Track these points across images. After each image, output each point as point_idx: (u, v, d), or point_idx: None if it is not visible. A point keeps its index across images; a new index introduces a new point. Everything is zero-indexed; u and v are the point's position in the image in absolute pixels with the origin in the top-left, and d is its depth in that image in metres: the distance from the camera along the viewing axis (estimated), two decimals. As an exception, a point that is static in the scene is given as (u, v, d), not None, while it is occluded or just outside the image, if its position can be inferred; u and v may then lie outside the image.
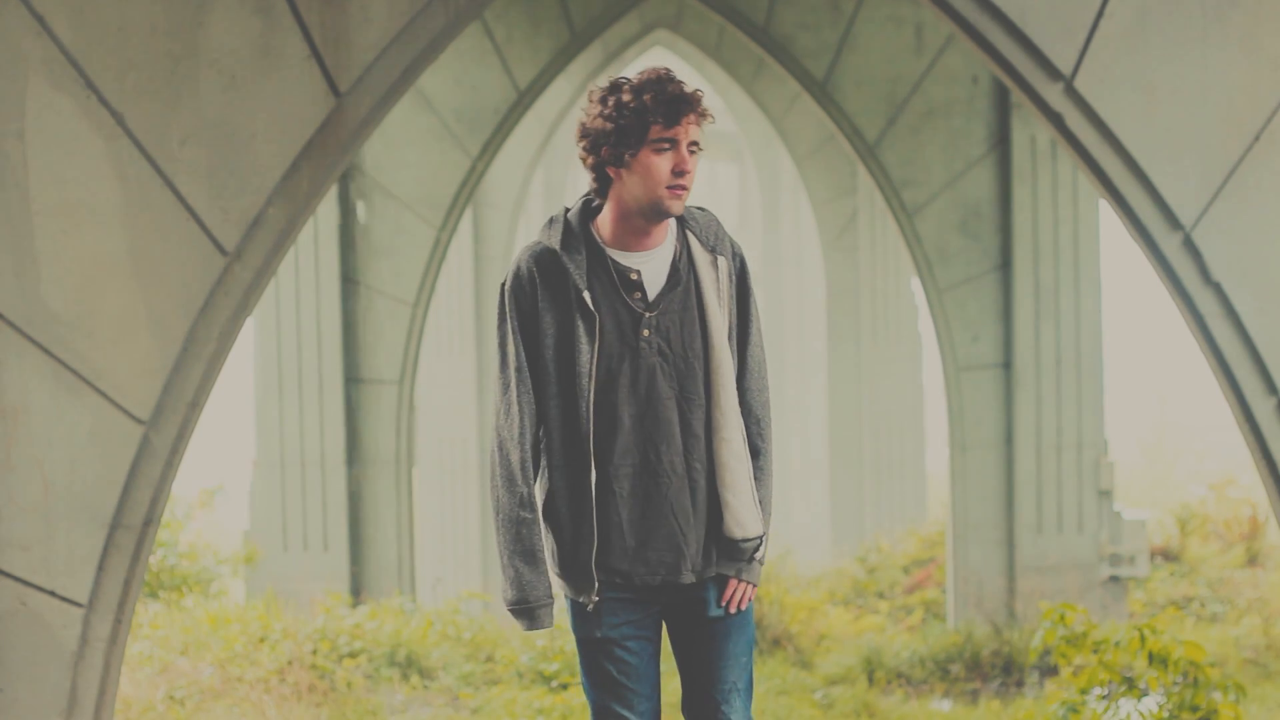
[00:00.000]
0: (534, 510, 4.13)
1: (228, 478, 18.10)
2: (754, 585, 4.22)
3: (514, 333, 4.12)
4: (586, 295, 4.08)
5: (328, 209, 13.57)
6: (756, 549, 4.18)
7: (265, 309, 13.66)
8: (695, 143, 4.08)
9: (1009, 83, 6.07)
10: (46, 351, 5.48)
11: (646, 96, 4.03)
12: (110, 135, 5.46)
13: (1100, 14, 5.84)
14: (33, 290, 5.47)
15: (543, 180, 24.81)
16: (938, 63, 13.61)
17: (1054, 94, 5.92)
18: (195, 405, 5.60)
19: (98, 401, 5.50)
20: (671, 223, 4.20)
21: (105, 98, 5.45)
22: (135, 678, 10.40)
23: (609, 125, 4.05)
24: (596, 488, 4.11)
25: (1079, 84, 5.88)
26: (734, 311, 4.21)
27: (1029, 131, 13.39)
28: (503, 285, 4.15)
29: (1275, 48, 5.87)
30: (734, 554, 4.18)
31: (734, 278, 4.22)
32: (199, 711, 10.08)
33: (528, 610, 4.15)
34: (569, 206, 4.23)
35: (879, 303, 20.67)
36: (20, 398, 5.48)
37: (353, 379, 13.83)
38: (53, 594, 5.52)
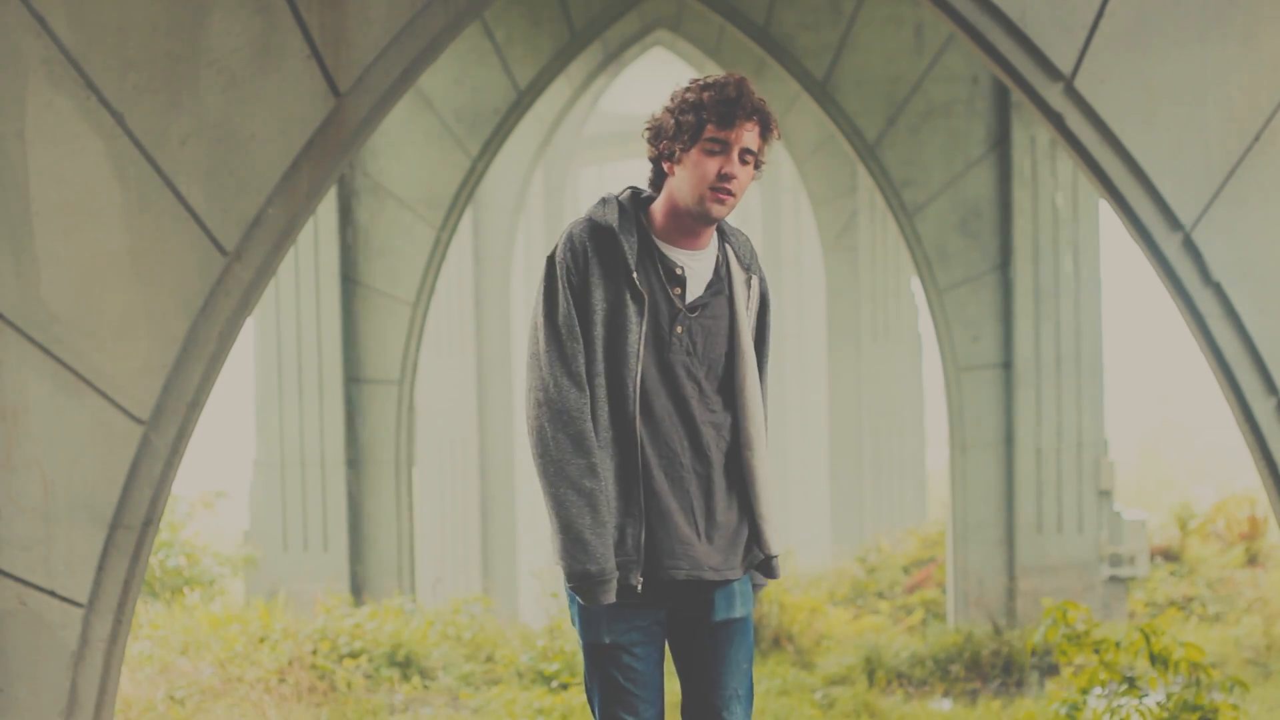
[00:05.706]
0: (599, 480, 4.03)
1: (229, 480, 18.09)
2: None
3: (566, 302, 4.06)
4: (636, 275, 4.07)
5: (328, 209, 13.57)
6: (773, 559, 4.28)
7: (265, 309, 13.66)
8: (751, 151, 4.07)
9: (1009, 83, 6.07)
10: (46, 351, 5.47)
11: (706, 95, 4.05)
12: (110, 135, 5.45)
13: (1100, 14, 5.83)
14: (33, 290, 5.46)
15: (543, 180, 24.79)
16: (938, 63, 13.61)
17: (1054, 94, 5.91)
18: (195, 405, 5.60)
19: (98, 401, 5.50)
20: (715, 233, 4.19)
21: (105, 98, 5.44)
22: (135, 678, 10.40)
23: (671, 120, 4.09)
24: (643, 470, 4.08)
25: (1079, 84, 5.88)
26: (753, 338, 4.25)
27: (1029, 131, 13.39)
28: (551, 257, 4.10)
29: (1275, 47, 5.86)
30: (762, 567, 4.25)
31: (761, 304, 4.25)
32: (199, 711, 10.08)
33: (602, 582, 4.02)
34: (627, 189, 4.22)
35: (879, 303, 20.66)
36: (20, 398, 5.47)
37: (353, 379, 13.82)
38: (53, 594, 5.52)
